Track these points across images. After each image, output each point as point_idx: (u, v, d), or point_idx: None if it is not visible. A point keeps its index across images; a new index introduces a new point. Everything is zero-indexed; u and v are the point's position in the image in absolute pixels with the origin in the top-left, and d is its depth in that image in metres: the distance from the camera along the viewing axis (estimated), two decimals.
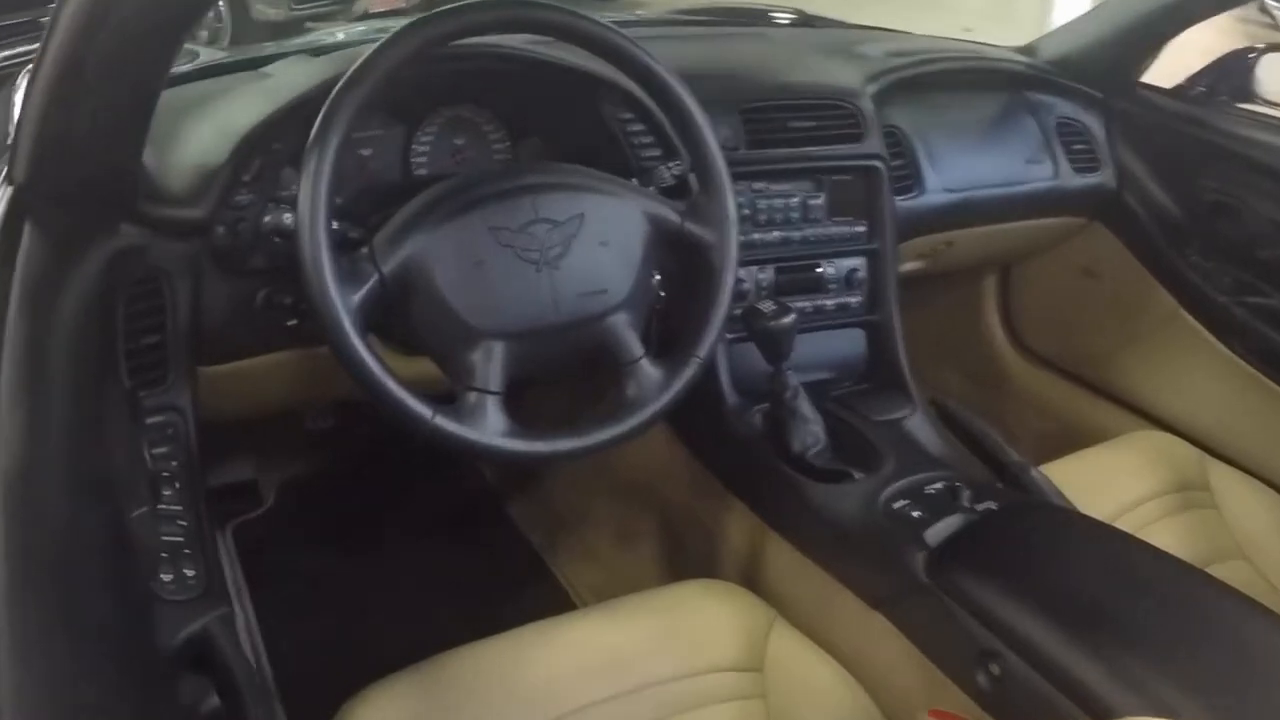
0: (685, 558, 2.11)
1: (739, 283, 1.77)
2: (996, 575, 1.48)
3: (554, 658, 1.52)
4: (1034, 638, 1.37)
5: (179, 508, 1.38)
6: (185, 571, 1.30)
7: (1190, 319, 2.41)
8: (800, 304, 1.94)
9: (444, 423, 1.36)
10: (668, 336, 1.64)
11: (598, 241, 1.47)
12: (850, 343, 2.07)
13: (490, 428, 1.38)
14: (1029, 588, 1.45)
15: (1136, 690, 1.28)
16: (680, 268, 1.63)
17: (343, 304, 1.32)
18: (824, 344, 2.02)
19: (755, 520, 1.85)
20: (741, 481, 1.93)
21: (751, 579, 1.84)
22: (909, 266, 2.31)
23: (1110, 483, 2.01)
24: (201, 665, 1.25)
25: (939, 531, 1.58)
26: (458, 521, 2.57)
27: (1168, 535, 1.94)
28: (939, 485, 1.69)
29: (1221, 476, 2.09)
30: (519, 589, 2.33)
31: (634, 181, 1.62)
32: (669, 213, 1.54)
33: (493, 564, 2.43)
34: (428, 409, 1.35)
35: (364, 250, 1.39)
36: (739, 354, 1.90)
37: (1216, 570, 1.87)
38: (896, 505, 1.65)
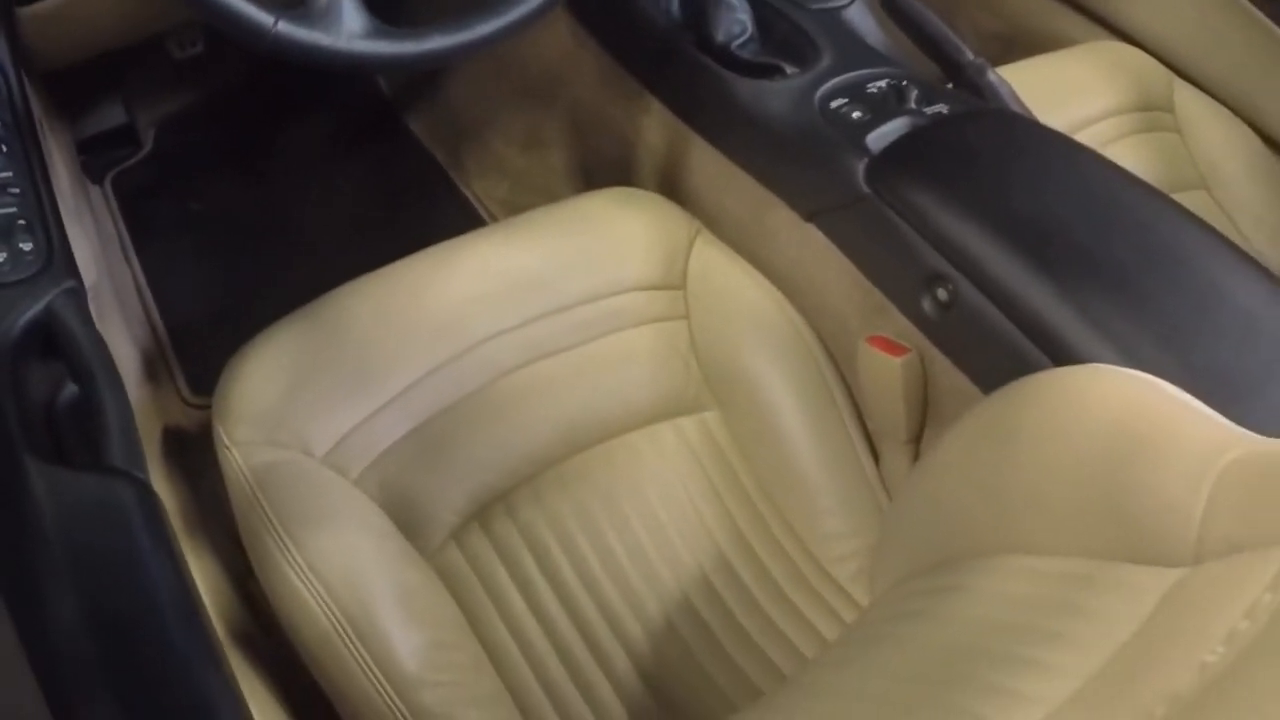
0: (600, 165, 1.94)
1: None
2: (948, 188, 1.32)
3: (457, 284, 1.41)
4: (991, 262, 1.24)
5: (8, 174, 1.21)
6: (20, 246, 1.16)
7: None
8: None
9: (289, 29, 1.13)
10: None
11: None
12: None
13: (346, 29, 1.15)
14: (986, 204, 1.30)
15: (1104, 333, 1.17)
16: None
17: None
18: None
19: (674, 121, 1.66)
20: (658, 77, 1.71)
21: (672, 187, 1.68)
22: None
23: (1068, 94, 1.90)
24: (51, 350, 1.13)
25: (882, 135, 1.41)
26: (354, 141, 2.37)
27: (1127, 156, 1.84)
28: (883, 83, 1.49)
29: (1187, 98, 1.99)
30: (425, 209, 2.19)
31: None
32: None
33: (395, 184, 2.26)
34: (269, 15, 1.12)
35: None
36: None
37: (1175, 199, 1.77)
38: (834, 104, 1.46)
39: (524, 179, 2.13)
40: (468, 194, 2.20)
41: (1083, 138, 1.79)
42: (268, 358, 1.31)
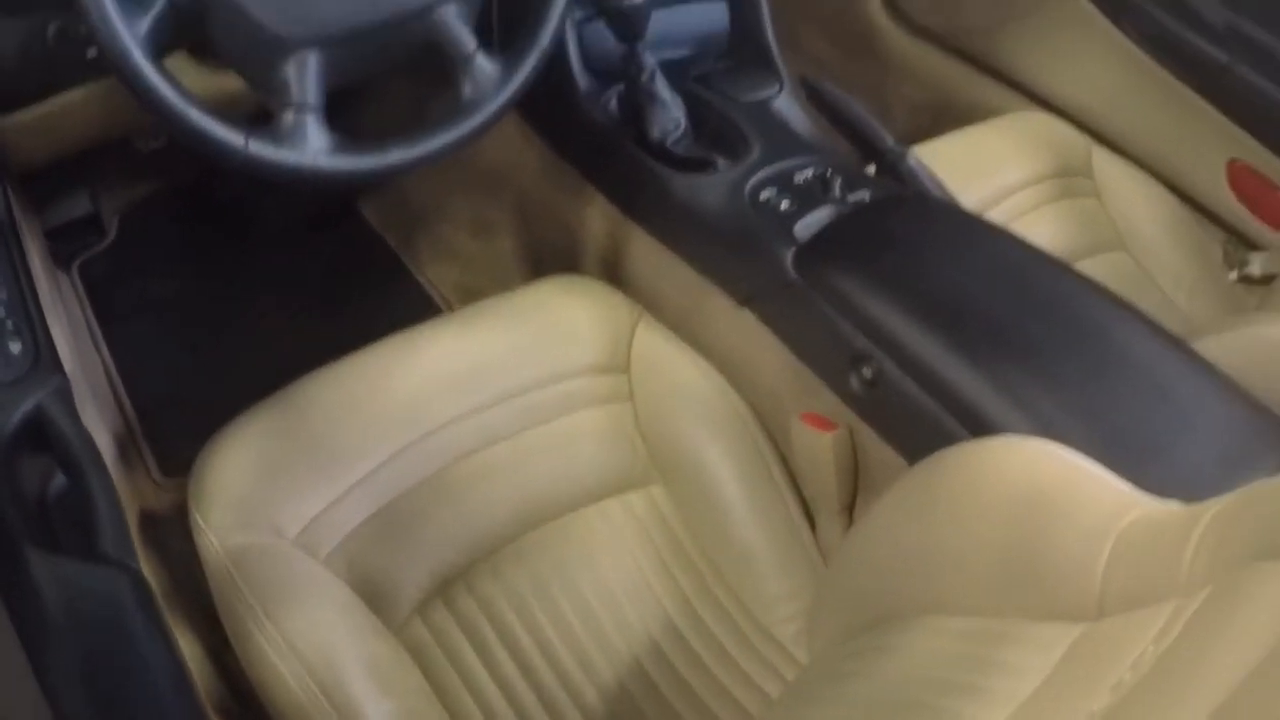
0: (546, 251, 2.02)
1: None
2: (869, 273, 1.41)
3: (416, 373, 1.47)
4: (909, 341, 1.32)
5: None
6: (10, 348, 1.23)
7: None
8: None
9: (260, 149, 1.22)
10: (510, 25, 1.50)
11: None
12: (711, 16, 1.88)
13: (311, 147, 1.24)
14: (905, 288, 1.38)
15: (1019, 405, 1.25)
16: None
17: (129, 33, 1.14)
18: (683, 18, 1.84)
19: (615, 212, 1.75)
20: (599, 171, 1.79)
21: (614, 274, 1.76)
22: None
23: (990, 165, 1.98)
24: (41, 444, 1.20)
25: (808, 225, 1.50)
26: (311, 228, 2.43)
27: (1047, 223, 1.93)
28: (809, 173, 1.59)
29: (1105, 163, 2.06)
30: (380, 293, 2.26)
31: None
32: None
33: (351, 269, 2.32)
34: (240, 135, 1.21)
35: None
36: (590, 32, 1.75)
37: (1096, 261, 1.88)
38: (763, 196, 1.55)
39: (474, 264, 2.19)
40: (421, 278, 2.26)
41: (1005, 207, 1.91)
42: (240, 446, 1.36)
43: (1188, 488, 1.07)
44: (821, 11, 2.80)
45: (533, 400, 1.48)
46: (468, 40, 1.33)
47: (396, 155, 1.29)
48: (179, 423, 1.56)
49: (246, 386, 1.44)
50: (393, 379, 1.45)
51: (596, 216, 1.80)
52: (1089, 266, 1.89)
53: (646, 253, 1.68)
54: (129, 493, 1.66)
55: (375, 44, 1.30)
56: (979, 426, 1.24)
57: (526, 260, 2.07)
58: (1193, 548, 0.79)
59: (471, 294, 2.12)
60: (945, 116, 2.51)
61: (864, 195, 1.54)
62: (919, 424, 1.30)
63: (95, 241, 2.25)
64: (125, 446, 1.85)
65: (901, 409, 1.32)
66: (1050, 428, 1.21)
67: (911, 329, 1.33)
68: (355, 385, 1.44)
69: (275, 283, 2.27)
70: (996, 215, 1.88)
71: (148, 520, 1.65)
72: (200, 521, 1.30)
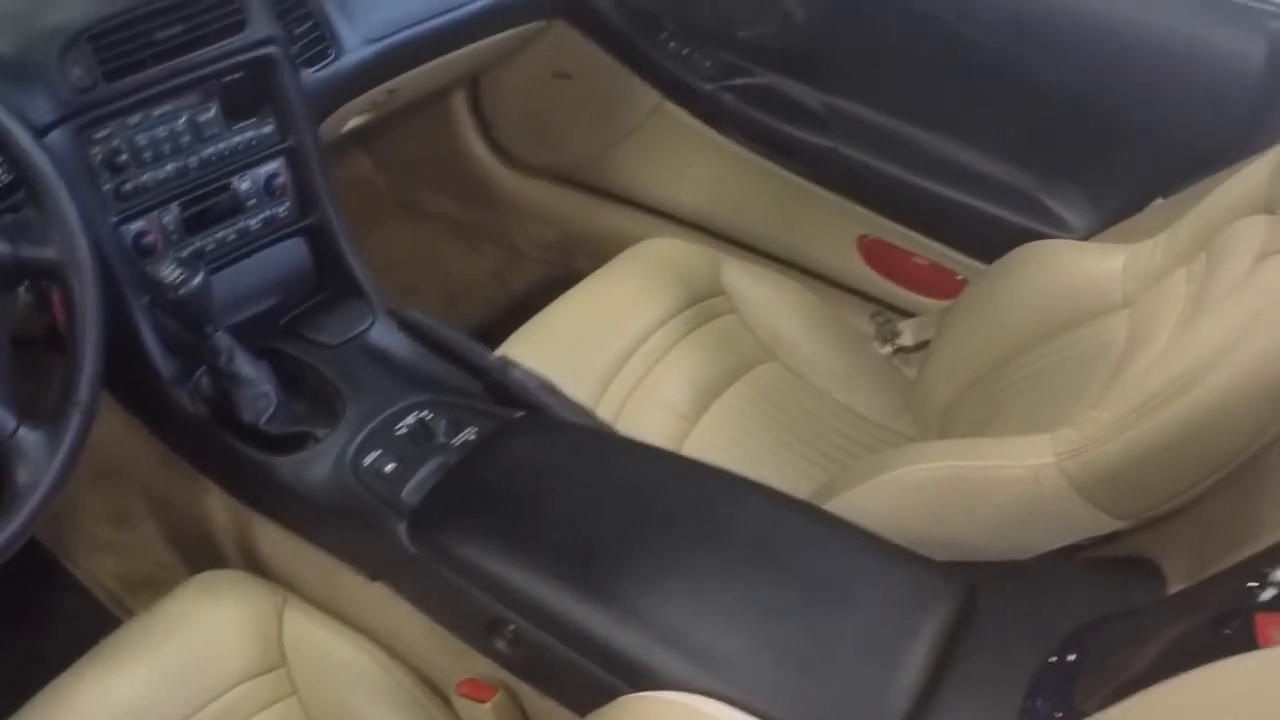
0: (183, 539, 1.91)
1: (142, 235, 1.58)
2: (485, 534, 1.36)
3: None
4: (538, 598, 1.27)
5: None
6: None
7: (676, 109, 2.33)
8: (220, 233, 1.68)
9: None
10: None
11: None
12: (291, 256, 1.80)
13: None
14: (523, 541, 1.34)
15: (669, 643, 1.20)
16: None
17: None
18: (262, 267, 1.75)
19: (233, 502, 1.66)
20: (206, 461, 1.69)
21: (251, 560, 1.68)
22: (356, 123, 2.13)
23: (623, 310, 1.93)
24: None
25: (417, 486, 1.44)
26: None
27: (691, 355, 1.89)
28: (411, 421, 1.53)
29: (734, 275, 2.03)
30: (40, 596, 2.13)
31: None
32: None
33: (11, 580, 2.14)
34: None
35: None
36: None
37: (749, 378, 1.86)
38: (368, 461, 1.49)
39: (124, 551, 2.08)
40: (78, 574, 2.14)
41: (647, 350, 1.87)
42: None
43: (861, 689, 1.11)
44: (436, 172, 2.81)
45: None
46: (5, 420, 1.23)
47: None
48: None
49: None
50: None
51: (217, 506, 1.69)
52: (742, 386, 1.88)
53: (274, 539, 1.60)
54: None
55: None
56: (634, 674, 1.19)
57: (173, 544, 1.97)
58: None
59: (132, 581, 2.03)
60: (576, 250, 2.55)
61: (470, 434, 1.49)
62: (574, 678, 1.25)
63: None
64: None
65: (553, 666, 1.27)
66: (707, 660, 1.18)
67: (537, 585, 1.28)
68: None
69: None
70: (640, 360, 1.85)
71: None
72: None
